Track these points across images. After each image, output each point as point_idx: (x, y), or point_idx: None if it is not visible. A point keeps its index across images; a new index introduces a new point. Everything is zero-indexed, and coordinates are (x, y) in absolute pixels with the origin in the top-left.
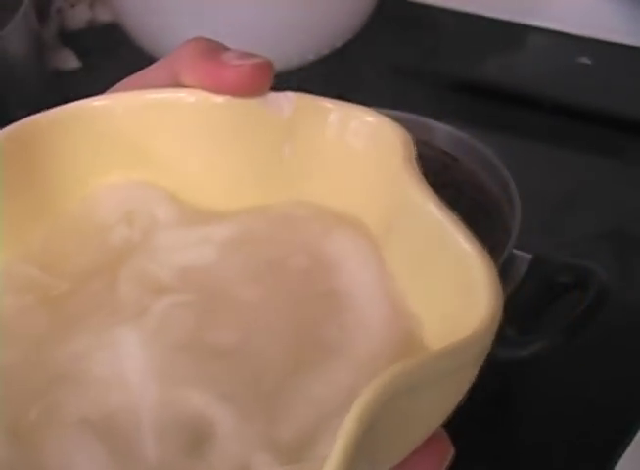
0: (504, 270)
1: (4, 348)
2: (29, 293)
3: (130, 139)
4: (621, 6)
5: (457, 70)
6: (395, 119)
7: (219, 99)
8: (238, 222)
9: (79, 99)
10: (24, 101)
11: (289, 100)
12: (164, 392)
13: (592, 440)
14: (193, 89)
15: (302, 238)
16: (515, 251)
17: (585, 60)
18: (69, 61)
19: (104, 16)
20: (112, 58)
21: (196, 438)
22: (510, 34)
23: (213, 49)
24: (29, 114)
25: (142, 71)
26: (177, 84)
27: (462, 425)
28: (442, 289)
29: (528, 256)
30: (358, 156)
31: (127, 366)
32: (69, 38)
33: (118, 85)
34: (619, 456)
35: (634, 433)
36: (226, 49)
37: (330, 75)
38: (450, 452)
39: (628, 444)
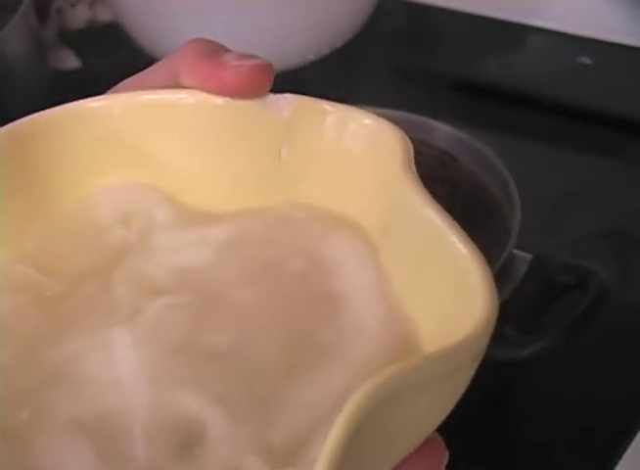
0: (504, 270)
1: None
2: (24, 293)
3: (128, 140)
4: (621, 6)
5: (457, 70)
6: (396, 119)
7: (218, 100)
8: (235, 224)
9: (79, 99)
10: (24, 101)
11: (288, 102)
12: (157, 394)
13: (592, 440)
14: (192, 90)
15: (300, 241)
16: (515, 251)
17: (585, 60)
18: (69, 61)
19: (104, 16)
20: (112, 58)
21: (187, 440)
22: (510, 34)
23: (213, 50)
24: (29, 114)
25: (142, 73)
26: (177, 85)
27: (462, 425)
28: (439, 292)
29: (528, 256)
30: (356, 158)
31: (120, 368)
32: (69, 38)
33: (119, 86)
34: (620, 457)
35: (634, 433)
36: (226, 50)
37: (330, 75)
38: (445, 457)
39: (628, 444)
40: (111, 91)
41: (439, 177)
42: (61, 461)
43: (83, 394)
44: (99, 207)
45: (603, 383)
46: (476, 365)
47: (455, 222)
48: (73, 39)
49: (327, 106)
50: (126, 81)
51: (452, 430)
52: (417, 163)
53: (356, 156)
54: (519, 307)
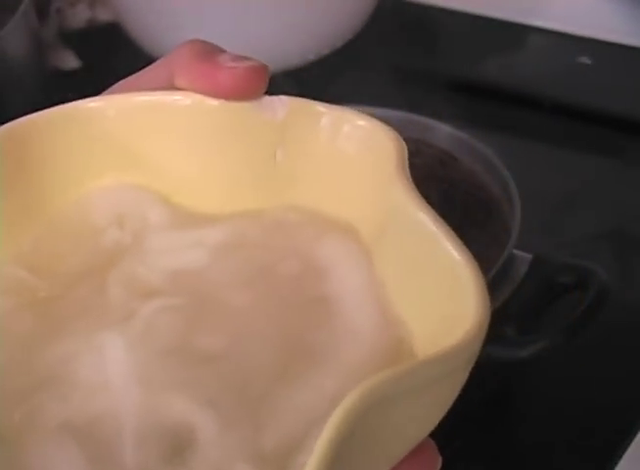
0: (504, 270)
1: None
2: (18, 295)
3: (124, 141)
4: (621, 6)
5: (457, 70)
6: (396, 119)
7: (214, 102)
8: (230, 226)
9: (79, 99)
10: (24, 101)
11: (283, 104)
12: (148, 397)
13: (592, 440)
14: (187, 92)
15: (295, 243)
16: (515, 251)
17: (585, 60)
18: (69, 61)
19: (104, 16)
20: (112, 58)
21: (178, 444)
22: (510, 34)
23: (209, 51)
24: (29, 114)
25: (138, 73)
26: (172, 86)
27: (461, 425)
28: (432, 296)
29: (528, 256)
30: (351, 161)
31: (112, 371)
32: (69, 38)
33: (115, 87)
34: (620, 457)
35: (634, 433)
36: (222, 51)
37: (330, 75)
38: (438, 463)
39: (629, 444)
40: (107, 92)
41: (439, 176)
42: (50, 464)
43: (75, 396)
44: (94, 208)
45: (603, 383)
46: (469, 369)
47: (448, 227)
48: (73, 39)
49: (321, 107)
50: (122, 82)
51: (452, 430)
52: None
53: (350, 158)
54: (519, 307)
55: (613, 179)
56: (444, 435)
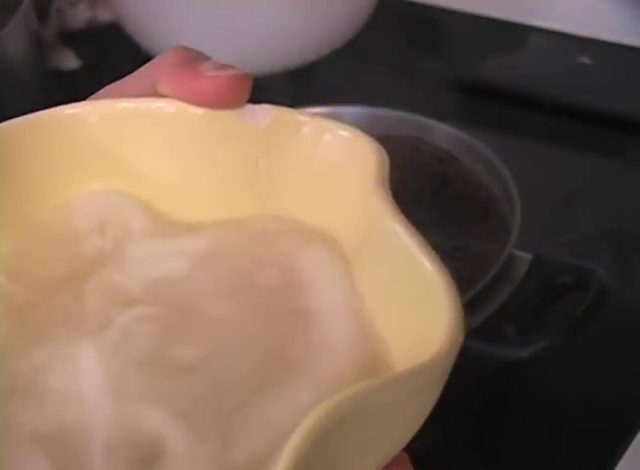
0: (504, 270)
1: None
2: None
3: (106, 147)
4: (621, 6)
5: (457, 70)
6: (396, 120)
7: (197, 110)
8: (212, 235)
9: (79, 99)
10: (24, 101)
11: (265, 113)
12: (119, 408)
13: (592, 440)
14: (170, 99)
15: (276, 253)
16: (515, 251)
17: (585, 60)
18: (69, 61)
19: (104, 16)
20: (112, 58)
21: (147, 456)
22: (510, 34)
23: (192, 59)
24: (28, 114)
25: (123, 79)
26: (156, 93)
27: (462, 425)
28: (408, 311)
29: (528, 256)
30: (332, 171)
31: (84, 381)
32: (69, 38)
33: (100, 92)
34: (620, 457)
35: (634, 433)
36: (205, 59)
37: (330, 75)
38: None
39: (629, 444)
40: (92, 97)
41: (433, 173)
42: None
43: (46, 405)
44: (77, 213)
45: (603, 383)
46: (442, 384)
47: (424, 240)
48: (73, 39)
49: (303, 117)
50: (107, 88)
51: (452, 430)
52: (413, 160)
53: (332, 168)
54: (519, 307)
55: (612, 179)
56: (445, 435)
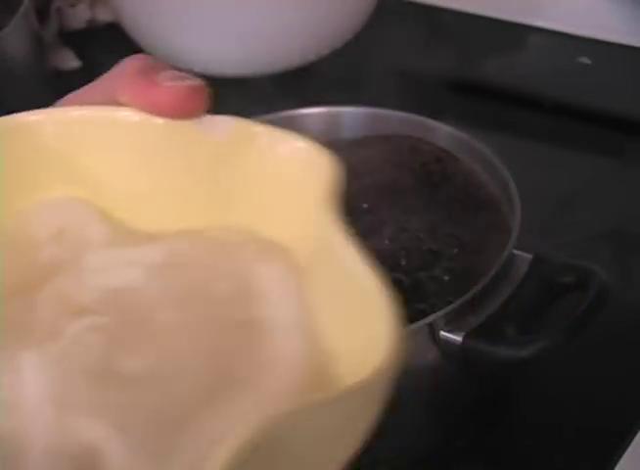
0: (504, 270)
1: None
2: None
3: (65, 155)
4: (621, 6)
5: (457, 71)
6: (396, 120)
7: (157, 120)
8: (169, 246)
9: None
10: (24, 101)
11: (223, 124)
12: (60, 419)
13: (592, 440)
14: (129, 108)
15: (232, 265)
16: (515, 251)
17: (585, 60)
18: (69, 61)
19: (104, 16)
20: (112, 58)
21: (86, 469)
22: (510, 34)
23: (150, 68)
24: None
25: (84, 87)
26: (115, 102)
27: (462, 425)
28: (352, 326)
29: (528, 256)
30: (287, 183)
31: (27, 391)
32: (69, 38)
33: (62, 100)
34: (620, 456)
35: (634, 433)
36: (164, 69)
37: (330, 75)
38: None
39: (629, 444)
40: (57, 104)
41: (431, 172)
42: None
43: None
44: (35, 221)
45: (603, 383)
46: (380, 402)
47: (368, 256)
48: (73, 39)
49: (261, 128)
50: (70, 96)
51: (452, 430)
52: (412, 159)
53: (287, 179)
54: (519, 307)
55: (612, 179)
56: (445, 435)
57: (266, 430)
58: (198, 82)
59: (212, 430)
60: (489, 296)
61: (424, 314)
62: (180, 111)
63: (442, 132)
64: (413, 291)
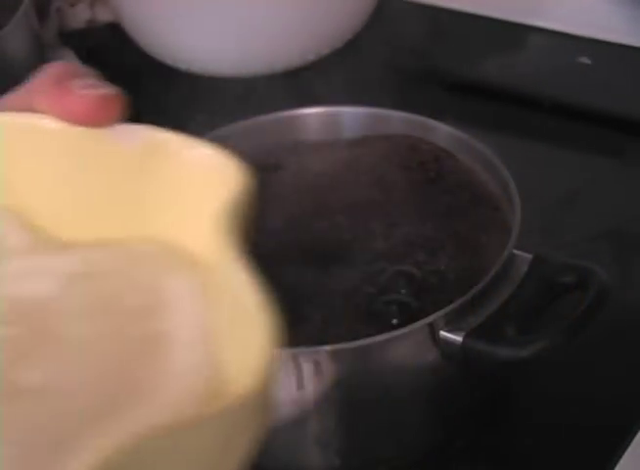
0: (504, 270)
1: None
2: None
3: None
4: (621, 6)
5: (457, 70)
6: (396, 120)
7: (73, 128)
8: (85, 255)
9: None
10: None
11: (137, 133)
12: None
13: (592, 439)
14: (45, 115)
15: (143, 276)
16: (515, 251)
17: (585, 60)
18: (69, 60)
19: (104, 16)
20: (112, 58)
21: None
22: (510, 34)
23: (66, 75)
24: None
25: (5, 95)
26: (32, 109)
27: (462, 425)
28: (240, 343)
29: (528, 256)
30: (194, 192)
31: None
32: (69, 38)
33: None
34: (620, 457)
35: (634, 433)
36: (80, 76)
37: (330, 75)
38: None
39: (629, 444)
40: None
41: (430, 171)
42: None
43: None
44: None
45: (603, 383)
46: (253, 422)
47: (253, 270)
48: (73, 39)
49: (171, 136)
50: None
51: (452, 430)
52: (411, 158)
53: (194, 188)
54: (519, 307)
55: (612, 179)
56: (445, 434)
57: (121, 448)
58: (111, 91)
59: (94, 447)
60: (489, 296)
61: (424, 314)
62: (93, 119)
63: (442, 132)
64: (413, 290)
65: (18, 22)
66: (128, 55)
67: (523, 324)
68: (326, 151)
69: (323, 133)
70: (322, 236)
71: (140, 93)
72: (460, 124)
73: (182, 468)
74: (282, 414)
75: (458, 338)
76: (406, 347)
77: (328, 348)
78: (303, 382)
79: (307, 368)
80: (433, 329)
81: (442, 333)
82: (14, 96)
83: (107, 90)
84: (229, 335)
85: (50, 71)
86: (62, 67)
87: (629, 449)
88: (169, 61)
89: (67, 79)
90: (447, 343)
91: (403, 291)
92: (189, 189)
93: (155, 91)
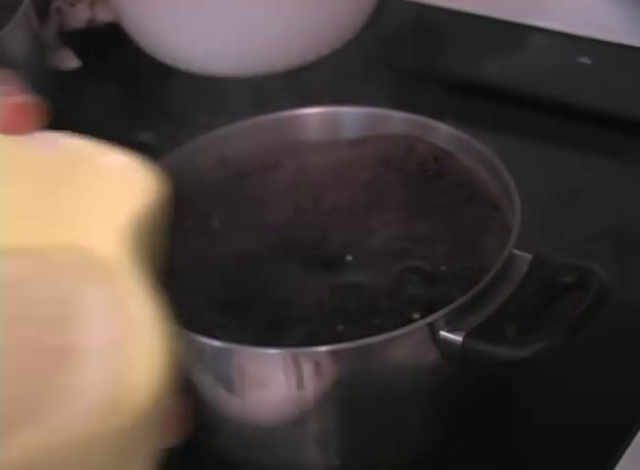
0: (504, 270)
1: None
2: None
3: None
4: (621, 6)
5: (457, 70)
6: (396, 120)
7: None
8: (3, 263)
9: (79, 99)
10: None
11: (56, 140)
12: None
13: (592, 439)
14: None
15: (60, 285)
16: (515, 251)
17: (585, 60)
18: (69, 61)
19: (104, 16)
20: (112, 58)
21: None
22: (510, 34)
23: None
24: None
25: None
26: None
27: (462, 425)
28: (138, 357)
29: (528, 256)
30: (109, 200)
31: None
32: (69, 38)
33: None
34: (620, 456)
35: (634, 433)
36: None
37: (330, 75)
38: None
39: (629, 444)
40: None
41: (429, 171)
42: None
43: None
44: None
45: (603, 383)
46: (148, 443)
47: (153, 281)
48: (73, 39)
49: (88, 144)
50: None
51: (452, 430)
52: (409, 158)
53: (109, 196)
54: (519, 307)
55: (612, 179)
56: (445, 435)
57: (9, 463)
58: (28, 99)
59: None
60: (489, 296)
61: (424, 314)
62: (11, 127)
63: (442, 132)
64: (412, 290)
65: (18, 22)
66: (128, 55)
67: (523, 324)
68: (326, 151)
69: (323, 133)
70: (322, 236)
71: (140, 93)
72: (460, 124)
73: None
74: (282, 414)
75: (458, 338)
76: (406, 347)
77: (328, 348)
78: (303, 382)
79: (307, 368)
80: (432, 329)
81: (442, 333)
82: None
83: (23, 98)
84: (130, 348)
85: None
86: None
87: (629, 449)
88: (169, 61)
89: None
90: (447, 343)
91: (403, 291)
92: (104, 197)
93: (155, 91)
